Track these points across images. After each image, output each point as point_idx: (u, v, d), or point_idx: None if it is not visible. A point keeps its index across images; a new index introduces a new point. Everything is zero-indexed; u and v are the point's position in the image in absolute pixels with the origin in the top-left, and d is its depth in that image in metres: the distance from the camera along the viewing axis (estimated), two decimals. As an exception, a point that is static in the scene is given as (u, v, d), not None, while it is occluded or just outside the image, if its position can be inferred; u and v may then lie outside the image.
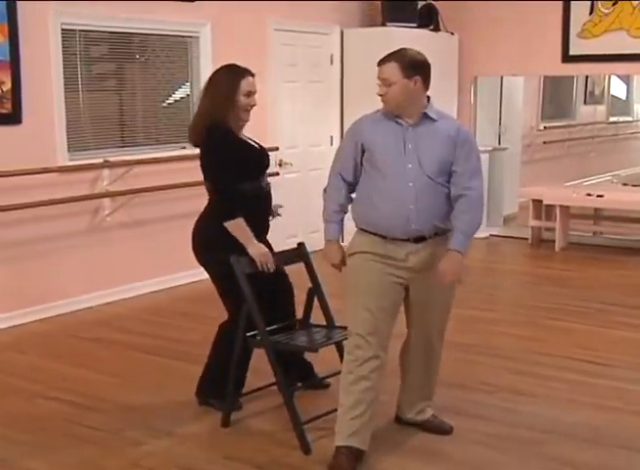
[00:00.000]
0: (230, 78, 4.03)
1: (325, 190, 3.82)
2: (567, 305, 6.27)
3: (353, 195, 3.80)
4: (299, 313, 4.24)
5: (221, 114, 4.01)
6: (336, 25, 8.40)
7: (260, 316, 3.87)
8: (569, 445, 3.90)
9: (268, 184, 4.19)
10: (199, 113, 4.13)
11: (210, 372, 4.28)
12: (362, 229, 3.73)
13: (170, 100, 7.18)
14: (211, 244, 4.04)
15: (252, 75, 4.08)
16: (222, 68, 4.13)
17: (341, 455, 3.62)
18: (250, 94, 4.05)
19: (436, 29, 8.57)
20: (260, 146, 4.26)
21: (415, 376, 3.97)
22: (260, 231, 4.11)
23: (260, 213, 4.16)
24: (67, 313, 6.11)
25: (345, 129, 8.97)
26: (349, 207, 3.80)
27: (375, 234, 3.67)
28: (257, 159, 4.15)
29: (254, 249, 3.95)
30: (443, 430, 4.03)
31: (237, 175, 3.98)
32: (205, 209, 4.16)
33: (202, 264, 4.13)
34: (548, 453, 3.81)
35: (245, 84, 4.03)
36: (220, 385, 4.09)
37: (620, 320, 5.92)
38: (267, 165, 4.23)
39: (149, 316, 6.12)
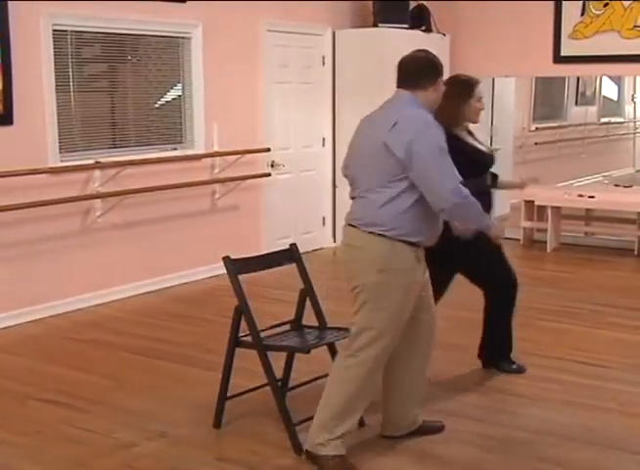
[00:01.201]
0: (464, 87, 4.60)
1: (465, 196, 3.48)
2: (559, 307, 6.28)
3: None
4: (292, 314, 4.24)
5: (453, 120, 4.47)
6: (327, 26, 8.39)
7: (253, 318, 3.87)
8: (562, 446, 3.91)
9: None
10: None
11: (489, 339, 4.88)
12: (401, 240, 3.54)
13: (162, 101, 7.17)
14: None
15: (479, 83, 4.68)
16: (454, 79, 4.65)
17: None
18: (480, 99, 4.64)
19: (428, 30, 8.58)
20: (487, 147, 4.92)
21: (416, 381, 3.93)
22: None
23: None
24: (59, 315, 6.09)
25: (338, 130, 8.97)
26: (389, 218, 3.54)
27: (412, 244, 3.57)
28: (480, 159, 4.67)
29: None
30: (436, 428, 4.04)
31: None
32: None
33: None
34: (542, 454, 3.81)
35: (477, 91, 4.61)
36: (500, 349, 4.86)
37: (613, 321, 5.93)
38: (489, 165, 4.78)
39: (141, 318, 6.10)
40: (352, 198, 3.71)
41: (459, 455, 3.82)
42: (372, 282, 3.55)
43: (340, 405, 3.64)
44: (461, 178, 3.52)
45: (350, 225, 3.65)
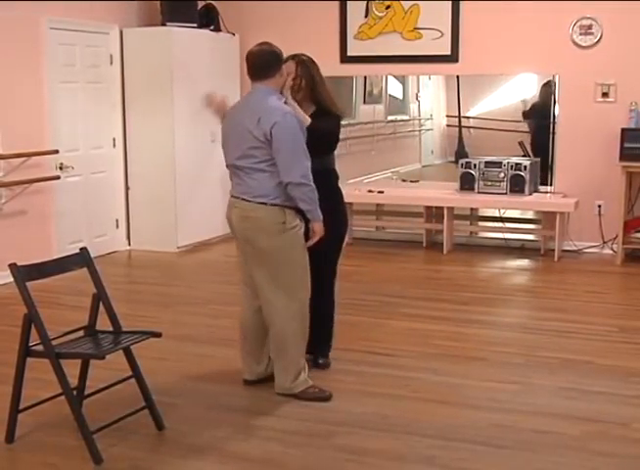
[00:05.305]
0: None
1: (305, 183, 4.19)
2: (351, 300, 6.41)
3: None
4: (86, 320, 4.13)
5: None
6: (114, 25, 8.23)
7: (43, 325, 3.74)
8: (358, 434, 4.03)
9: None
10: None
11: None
12: (288, 206, 4.27)
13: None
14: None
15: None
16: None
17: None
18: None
19: (217, 30, 8.58)
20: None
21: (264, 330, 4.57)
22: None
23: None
24: None
25: (129, 130, 8.78)
26: (274, 188, 4.24)
27: (293, 208, 4.29)
28: None
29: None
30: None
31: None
32: None
33: None
34: (338, 444, 3.91)
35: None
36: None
37: (403, 311, 6.16)
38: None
39: None
40: (232, 178, 4.40)
41: (256, 451, 3.86)
42: (279, 243, 4.29)
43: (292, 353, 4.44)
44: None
45: (243, 199, 4.30)
